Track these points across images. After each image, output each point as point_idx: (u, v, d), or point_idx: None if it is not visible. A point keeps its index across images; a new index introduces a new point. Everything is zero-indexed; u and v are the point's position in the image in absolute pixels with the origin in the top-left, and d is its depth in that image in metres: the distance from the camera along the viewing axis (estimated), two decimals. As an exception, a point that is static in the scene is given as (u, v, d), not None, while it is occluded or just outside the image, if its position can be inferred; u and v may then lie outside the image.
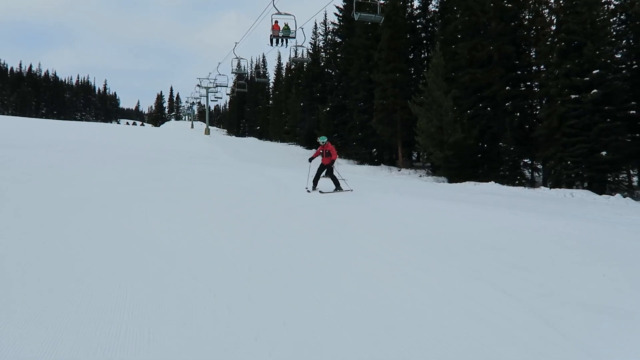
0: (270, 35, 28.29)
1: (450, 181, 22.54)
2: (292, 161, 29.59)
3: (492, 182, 19.67)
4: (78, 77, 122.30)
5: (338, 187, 11.91)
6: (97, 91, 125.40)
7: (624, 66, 19.76)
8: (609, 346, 3.01)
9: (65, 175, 11.42)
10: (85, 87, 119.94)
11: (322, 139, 12.41)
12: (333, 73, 40.77)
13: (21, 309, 3.28)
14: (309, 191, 11.51)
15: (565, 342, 3.06)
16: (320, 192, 11.47)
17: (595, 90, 17.33)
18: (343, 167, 30.09)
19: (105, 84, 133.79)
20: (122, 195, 9.19)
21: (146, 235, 5.96)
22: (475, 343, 3.04)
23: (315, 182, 11.92)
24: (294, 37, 28.55)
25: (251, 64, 71.11)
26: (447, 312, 3.59)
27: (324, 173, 12.19)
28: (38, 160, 13.69)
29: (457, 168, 22.80)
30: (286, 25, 27.97)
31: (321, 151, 12.31)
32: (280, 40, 28.79)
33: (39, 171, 11.46)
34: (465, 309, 3.65)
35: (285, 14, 25.52)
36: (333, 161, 12.16)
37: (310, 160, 12.65)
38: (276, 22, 27.83)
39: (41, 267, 4.27)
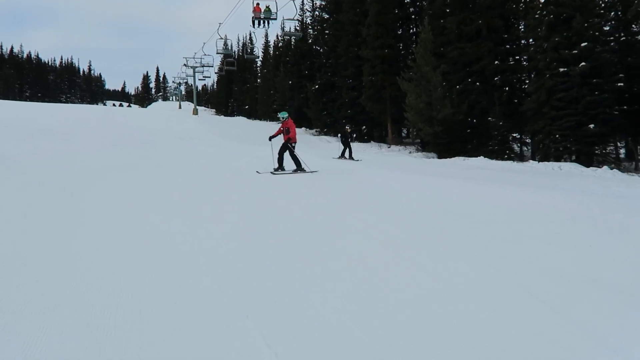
0: (252, 17, 28.15)
1: (439, 157, 22.60)
2: (281, 140, 29.38)
3: (482, 157, 19.74)
4: (61, 59, 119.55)
5: (299, 168, 11.25)
6: (81, 72, 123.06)
7: (612, 38, 19.74)
8: (596, 318, 3.05)
9: (55, 161, 11.28)
10: (69, 69, 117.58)
11: (282, 115, 11.87)
12: (321, 50, 40.26)
13: (9, 295, 3.25)
14: (273, 173, 10.78)
15: (554, 314, 3.09)
16: (271, 172, 10.75)
17: (583, 63, 17.30)
18: (333, 145, 30.08)
19: (90, 65, 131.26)
20: (109, 179, 9.11)
21: (133, 216, 5.92)
22: (464, 318, 3.07)
23: (279, 161, 11.29)
24: (276, 19, 28.76)
25: (238, 42, 70.19)
26: (435, 287, 3.62)
27: (286, 152, 11.56)
28: (26, 146, 13.50)
29: (446, 143, 22.82)
30: (267, 7, 28.11)
31: (282, 128, 11.70)
32: (262, 21, 28.68)
33: (26, 158, 11.31)
34: (453, 283, 3.68)
35: None
36: (290, 139, 11.47)
37: (271, 138, 11.89)
38: (257, 4, 27.77)
39: (32, 251, 4.24)
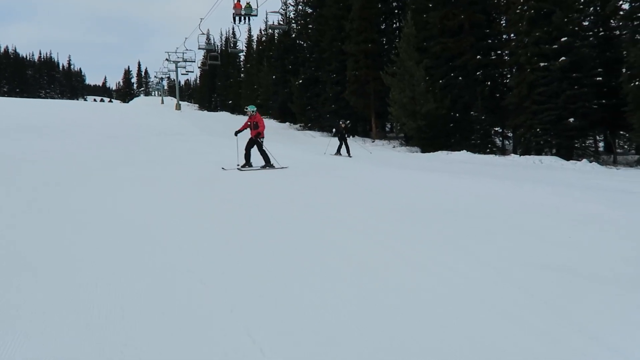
0: (233, 13, 28.19)
1: (423, 151, 22.75)
2: (265, 134, 29.29)
3: (464, 151, 19.94)
4: (40, 53, 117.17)
5: (268, 164, 10.83)
6: (61, 67, 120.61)
7: (591, 33, 20.08)
8: (576, 307, 3.11)
9: (33, 158, 11.09)
10: (48, 64, 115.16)
11: (250, 108, 11.29)
12: (305, 45, 40.11)
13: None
14: (239, 169, 10.33)
15: (535, 302, 3.15)
16: (238, 168, 10.32)
17: (563, 58, 17.57)
18: (317, 140, 30.05)
19: (70, 60, 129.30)
20: (92, 176, 8.99)
21: (115, 211, 5.84)
22: (449, 308, 3.10)
23: (246, 157, 10.81)
24: (256, 15, 28.77)
25: (221, 37, 69.55)
26: (420, 278, 3.65)
27: (254, 147, 11.10)
28: (12, 141, 13.23)
29: (429, 138, 22.98)
30: (248, 4, 28.19)
31: (249, 123, 11.10)
32: (243, 17, 28.74)
33: (13, 152, 11.09)
34: (438, 275, 3.72)
35: None
36: (259, 134, 11.01)
37: (237, 133, 11.41)
38: (238, 0, 27.80)
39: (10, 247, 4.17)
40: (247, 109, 11.39)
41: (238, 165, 10.73)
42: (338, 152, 17.03)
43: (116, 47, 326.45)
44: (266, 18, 46.10)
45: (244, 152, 10.96)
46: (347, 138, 17.22)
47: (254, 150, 10.99)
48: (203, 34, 39.79)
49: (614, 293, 3.33)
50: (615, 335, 2.70)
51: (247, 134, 11.46)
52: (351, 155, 16.55)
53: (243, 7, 28.10)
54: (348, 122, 18.57)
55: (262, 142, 11.09)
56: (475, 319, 2.93)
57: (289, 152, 14.32)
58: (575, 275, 3.66)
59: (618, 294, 3.31)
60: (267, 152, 10.93)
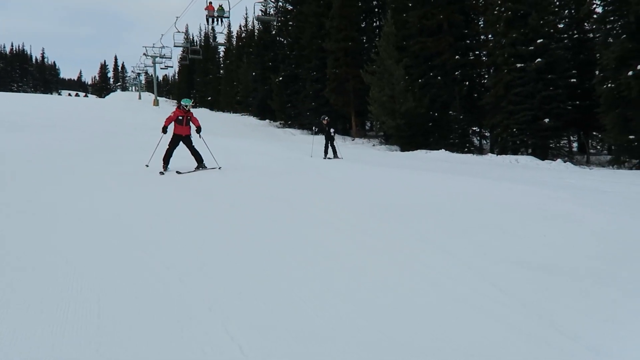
0: (206, 15, 29.52)
1: (402, 150, 22.93)
2: (244, 131, 29.21)
3: (443, 150, 20.17)
4: (12, 45, 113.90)
5: (200, 165, 9.57)
6: (34, 60, 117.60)
7: (565, 36, 20.54)
8: (550, 303, 3.18)
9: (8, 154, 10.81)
10: (20, 56, 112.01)
11: (185, 102, 9.73)
12: (285, 42, 39.96)
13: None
14: (162, 173, 9.02)
15: (506, 298, 3.21)
16: (177, 172, 9.07)
17: (539, 59, 17.93)
18: (297, 137, 30.00)
19: (43, 53, 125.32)
20: (64, 170, 8.80)
21: (89, 207, 5.74)
22: (420, 301, 3.15)
23: (166, 159, 9.33)
24: (228, 17, 30.43)
25: (200, 32, 68.77)
26: (393, 273, 3.69)
27: (178, 146, 9.54)
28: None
29: (408, 137, 23.17)
30: (220, 6, 29.54)
31: (180, 117, 9.53)
32: (216, 19, 30.09)
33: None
34: (413, 269, 3.76)
35: None
36: (199, 129, 9.69)
37: (166, 130, 9.51)
38: (210, 3, 29.01)
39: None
40: (182, 102, 9.76)
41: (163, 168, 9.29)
42: (326, 153, 14.47)
43: (92, 41, 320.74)
44: (253, 10, 45.25)
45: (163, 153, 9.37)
46: (333, 136, 14.82)
47: (178, 150, 9.55)
48: (179, 31, 39.47)
49: (586, 289, 3.42)
50: (591, 331, 2.78)
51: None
52: (339, 156, 14.32)
53: (215, 9, 29.42)
54: (327, 118, 15.29)
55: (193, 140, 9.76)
56: (455, 317, 2.98)
57: (273, 151, 14.24)
58: (550, 272, 3.74)
59: (590, 290, 3.40)
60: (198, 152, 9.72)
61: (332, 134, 14.75)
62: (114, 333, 2.64)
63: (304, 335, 2.69)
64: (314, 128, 17.19)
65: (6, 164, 9.20)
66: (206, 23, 31.93)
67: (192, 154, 9.60)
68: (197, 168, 9.48)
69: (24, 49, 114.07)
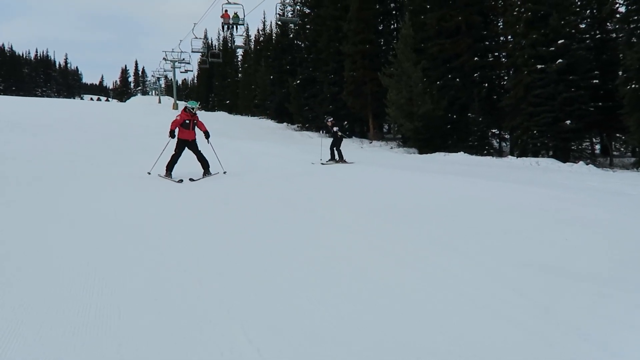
0: (222, 22, 30.59)
1: (420, 152, 22.76)
2: (261, 134, 29.35)
3: (461, 153, 19.96)
4: (37, 51, 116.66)
5: (206, 171, 9.35)
6: (57, 66, 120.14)
7: (587, 36, 20.15)
8: (569, 307, 3.12)
9: (26, 157, 11.05)
10: (44, 62, 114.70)
11: (191, 104, 9.40)
12: (302, 45, 40.07)
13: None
14: (161, 175, 8.91)
15: (527, 302, 3.16)
16: (190, 179, 8.81)
17: (560, 60, 17.63)
18: (315, 140, 30.01)
19: (67, 58, 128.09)
20: (85, 174, 8.96)
21: (109, 212, 5.83)
22: (439, 306, 3.11)
23: (171, 166, 9.02)
24: (243, 24, 31.59)
25: (219, 36, 69.42)
26: (413, 279, 3.66)
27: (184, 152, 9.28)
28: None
29: (426, 139, 22.99)
30: (235, 13, 30.37)
31: (187, 121, 9.15)
32: (231, 26, 31.23)
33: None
34: (429, 274, 3.73)
35: (235, 3, 28.37)
36: (207, 134, 9.61)
37: (173, 134, 9.20)
38: (226, 10, 29.86)
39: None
40: (188, 104, 9.39)
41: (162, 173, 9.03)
42: (332, 157, 13.40)
43: (112, 46, 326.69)
44: (275, 10, 44.90)
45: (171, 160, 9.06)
46: (341, 138, 13.63)
47: (183, 155, 9.24)
48: (196, 38, 40.43)
49: (609, 294, 3.34)
50: (606, 336, 2.72)
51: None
52: (346, 160, 13.38)
53: (231, 17, 30.26)
54: (331, 120, 14.27)
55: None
56: (467, 318, 2.94)
57: (283, 152, 14.28)
58: (570, 276, 3.67)
59: (613, 294, 3.32)
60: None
61: (339, 135, 13.57)
62: (134, 334, 2.68)
63: (322, 338, 2.69)
64: (321, 131, 16.05)
65: (34, 164, 9.41)
66: (222, 30, 32.09)
67: (199, 160, 9.37)
68: (204, 175, 9.25)
69: (47, 55, 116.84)
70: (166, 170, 8.97)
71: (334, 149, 13.44)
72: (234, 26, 31.29)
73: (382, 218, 5.78)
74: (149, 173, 8.97)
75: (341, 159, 13.31)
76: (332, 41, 31.55)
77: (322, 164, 12.59)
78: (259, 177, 9.32)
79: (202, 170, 9.35)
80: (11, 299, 3.10)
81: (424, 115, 22.29)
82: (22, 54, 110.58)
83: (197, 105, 9.53)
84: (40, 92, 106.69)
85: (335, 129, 13.59)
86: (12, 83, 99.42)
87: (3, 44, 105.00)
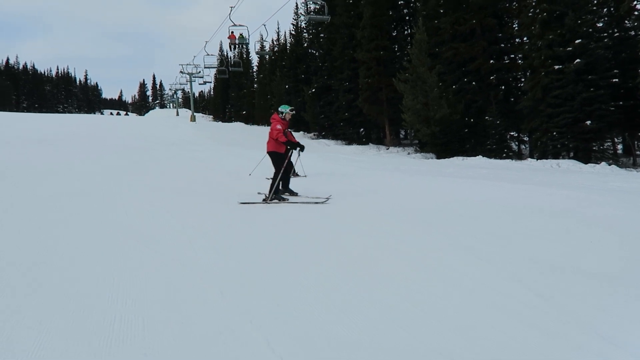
0: (229, 43, 34.14)
1: (438, 157, 22.64)
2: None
3: (480, 156, 19.80)
4: (57, 69, 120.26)
5: (292, 193, 8.15)
6: (78, 82, 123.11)
7: (605, 34, 19.83)
8: (600, 313, 3.06)
9: (55, 168, 11.29)
10: (65, 79, 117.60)
11: (284, 109, 8.07)
12: (317, 53, 40.35)
13: (9, 303, 3.25)
14: (278, 200, 7.56)
15: (551, 308, 3.11)
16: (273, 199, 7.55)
17: (578, 60, 17.41)
18: (332, 148, 30.08)
19: (86, 75, 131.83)
20: (104, 185, 9.11)
21: (128, 222, 5.92)
22: (460, 311, 3.08)
23: (285, 184, 8.12)
24: (249, 43, 36.94)
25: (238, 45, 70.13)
26: (429, 282, 3.63)
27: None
28: (26, 156, 13.51)
29: (444, 144, 22.89)
30: (241, 34, 33.50)
31: (287, 130, 8.17)
32: (237, 45, 34.84)
33: (25, 164, 11.32)
34: (448, 278, 3.69)
35: (240, 25, 30.53)
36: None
37: (292, 144, 8.03)
38: (232, 32, 32.74)
39: (29, 263, 4.24)
40: (283, 109, 8.05)
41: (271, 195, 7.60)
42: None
43: (131, 61, 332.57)
44: (306, 6, 43.22)
45: (277, 180, 7.66)
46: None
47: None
48: (208, 54, 42.95)
49: (638, 295, 3.27)
50: (626, 334, 2.67)
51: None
52: (300, 174, 11.59)
53: (237, 37, 33.30)
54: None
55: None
56: (491, 324, 2.90)
57: (310, 163, 14.33)
58: (597, 278, 3.60)
59: (628, 294, 3.26)
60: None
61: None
62: (159, 344, 2.71)
63: (346, 346, 2.68)
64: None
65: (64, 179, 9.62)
66: (229, 48, 38.24)
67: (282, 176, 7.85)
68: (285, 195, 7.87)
69: (68, 72, 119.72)
70: (286, 192, 7.80)
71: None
72: (240, 45, 34.79)
73: (407, 223, 5.75)
74: (264, 200, 7.54)
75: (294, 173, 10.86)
76: (346, 49, 31.71)
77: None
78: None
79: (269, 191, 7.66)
80: (36, 313, 3.16)
81: (441, 119, 22.19)
82: (44, 72, 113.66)
83: (288, 110, 7.98)
84: (62, 108, 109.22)
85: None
86: (34, 100, 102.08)
87: (26, 63, 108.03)
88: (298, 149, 8.11)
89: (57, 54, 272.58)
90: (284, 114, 7.95)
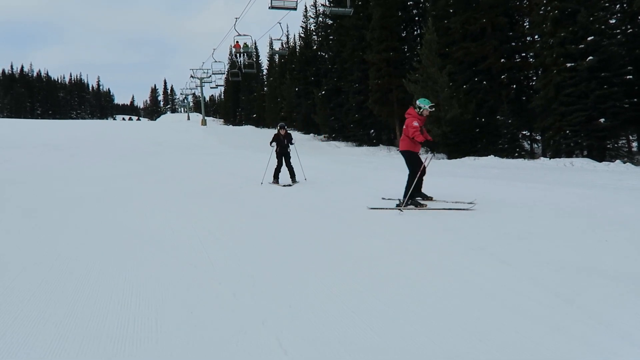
0: (234, 51, 37.42)
1: (449, 157, 22.50)
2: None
3: (492, 156, 19.63)
4: (71, 75, 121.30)
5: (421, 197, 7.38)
6: (90, 88, 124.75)
7: (618, 31, 19.55)
8: (621, 313, 3.00)
9: (69, 173, 11.43)
10: (78, 85, 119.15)
11: (422, 102, 7.17)
12: (326, 56, 40.38)
13: (27, 308, 3.29)
14: (412, 206, 6.91)
15: (569, 307, 3.06)
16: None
17: (590, 57, 17.17)
18: (342, 150, 30.05)
19: (99, 81, 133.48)
20: (118, 190, 9.20)
21: (141, 227, 5.96)
22: (477, 313, 3.05)
23: (418, 187, 7.25)
24: (252, 52, 39.09)
25: (243, 54, 70.56)
26: (447, 284, 3.60)
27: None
28: (41, 159, 13.70)
29: (455, 144, 22.72)
30: (245, 43, 35.67)
31: (421, 126, 7.15)
32: (242, 54, 38.57)
33: (42, 169, 11.47)
34: (465, 279, 3.66)
35: (244, 35, 33.29)
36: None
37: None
38: (237, 41, 34.71)
39: (44, 265, 4.29)
40: (420, 103, 7.13)
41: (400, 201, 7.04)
42: (275, 177, 10.73)
43: (143, 67, 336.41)
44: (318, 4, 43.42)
45: (412, 184, 7.02)
46: (289, 152, 10.91)
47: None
48: (216, 61, 45.58)
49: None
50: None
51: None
52: (296, 180, 10.75)
53: (241, 46, 35.58)
54: (284, 129, 11.10)
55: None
56: (506, 325, 2.87)
57: (312, 163, 14.38)
58: (615, 279, 3.54)
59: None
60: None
61: (289, 148, 10.95)
62: (172, 347, 2.72)
63: (358, 348, 2.66)
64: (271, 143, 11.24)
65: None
66: (234, 57, 43.06)
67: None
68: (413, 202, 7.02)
69: (81, 78, 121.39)
70: (411, 197, 6.98)
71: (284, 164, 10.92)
72: (244, 54, 37.88)
73: (426, 227, 5.73)
74: (400, 208, 6.83)
75: (292, 178, 10.81)
76: (356, 50, 31.67)
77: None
78: (295, 187, 9.39)
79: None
80: (53, 315, 3.19)
81: (452, 120, 22.05)
82: (57, 79, 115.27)
83: (427, 107, 7.09)
84: (75, 114, 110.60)
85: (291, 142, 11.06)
86: (49, 107, 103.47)
87: (40, 70, 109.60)
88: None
89: (70, 61, 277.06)
90: (421, 110, 7.06)
